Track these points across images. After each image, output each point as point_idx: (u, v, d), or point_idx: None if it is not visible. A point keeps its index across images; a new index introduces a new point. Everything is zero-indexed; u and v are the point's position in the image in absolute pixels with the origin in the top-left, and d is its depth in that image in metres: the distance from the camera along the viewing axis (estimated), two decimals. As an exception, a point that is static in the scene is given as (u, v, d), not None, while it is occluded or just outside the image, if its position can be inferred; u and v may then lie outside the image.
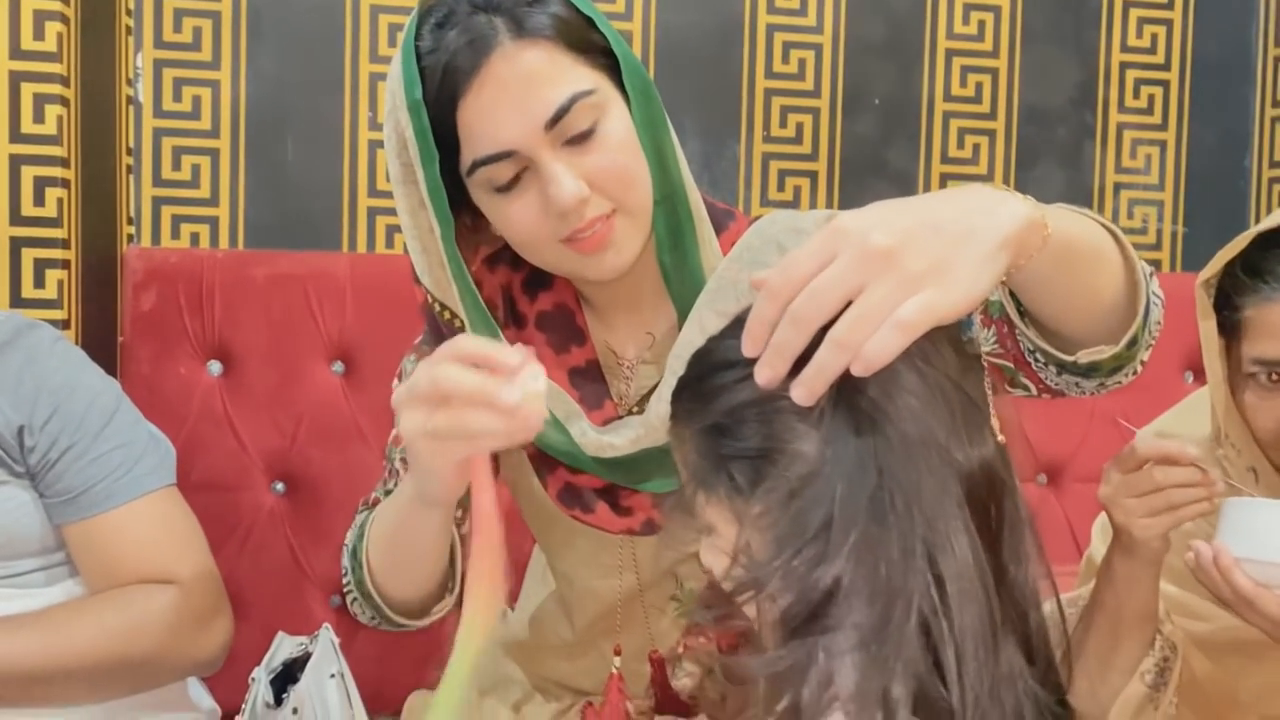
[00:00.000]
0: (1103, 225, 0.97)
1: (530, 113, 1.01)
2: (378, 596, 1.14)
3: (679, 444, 0.83)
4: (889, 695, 0.68)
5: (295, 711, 1.42)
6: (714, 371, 0.79)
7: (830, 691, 0.69)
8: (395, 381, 1.22)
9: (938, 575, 0.70)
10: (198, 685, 1.52)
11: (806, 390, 0.73)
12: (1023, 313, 1.00)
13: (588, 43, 1.05)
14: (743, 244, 1.11)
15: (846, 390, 0.73)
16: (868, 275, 0.71)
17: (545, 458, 1.15)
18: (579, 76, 1.03)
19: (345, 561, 1.19)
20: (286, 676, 1.46)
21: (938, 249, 0.73)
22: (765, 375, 0.75)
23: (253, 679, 1.48)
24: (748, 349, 0.75)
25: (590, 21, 1.06)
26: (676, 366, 0.93)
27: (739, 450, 0.76)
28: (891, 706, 0.67)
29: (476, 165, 1.03)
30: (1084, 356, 0.99)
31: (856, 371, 0.72)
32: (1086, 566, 1.39)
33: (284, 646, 1.52)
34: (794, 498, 0.73)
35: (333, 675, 1.44)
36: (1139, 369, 1.04)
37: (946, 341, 0.77)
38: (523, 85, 1.01)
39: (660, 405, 1.06)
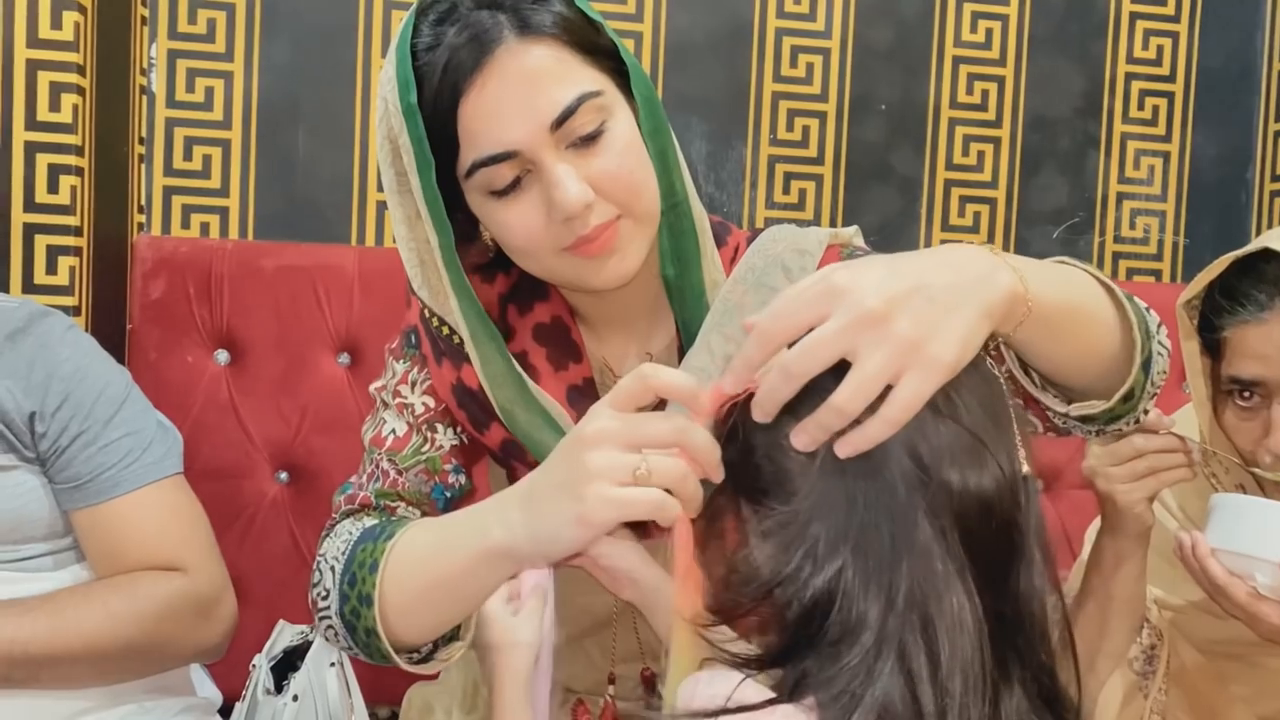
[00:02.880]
0: (1100, 282, 0.98)
1: (536, 112, 0.97)
2: (384, 637, 1.00)
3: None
4: None
5: (295, 699, 1.43)
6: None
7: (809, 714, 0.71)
8: (381, 381, 1.18)
9: (925, 617, 0.71)
10: (200, 671, 1.54)
11: (807, 439, 0.75)
12: (1025, 366, 0.99)
13: (594, 44, 1.02)
14: (746, 263, 1.10)
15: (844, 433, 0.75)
16: (860, 338, 0.73)
17: None
18: (586, 77, 0.99)
19: (332, 584, 1.04)
20: (287, 664, 1.48)
21: (926, 315, 0.74)
22: (759, 415, 0.77)
23: (253, 666, 1.49)
24: (729, 386, 0.79)
25: (595, 25, 1.03)
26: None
27: (748, 482, 0.79)
28: None
29: (476, 167, 0.99)
30: (1075, 410, 1.00)
31: (842, 453, 0.74)
32: (1079, 572, 1.40)
33: (285, 634, 1.54)
34: (785, 526, 0.75)
35: (333, 664, 1.45)
36: (1140, 418, 1.05)
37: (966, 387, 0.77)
38: (528, 83, 0.97)
39: None
